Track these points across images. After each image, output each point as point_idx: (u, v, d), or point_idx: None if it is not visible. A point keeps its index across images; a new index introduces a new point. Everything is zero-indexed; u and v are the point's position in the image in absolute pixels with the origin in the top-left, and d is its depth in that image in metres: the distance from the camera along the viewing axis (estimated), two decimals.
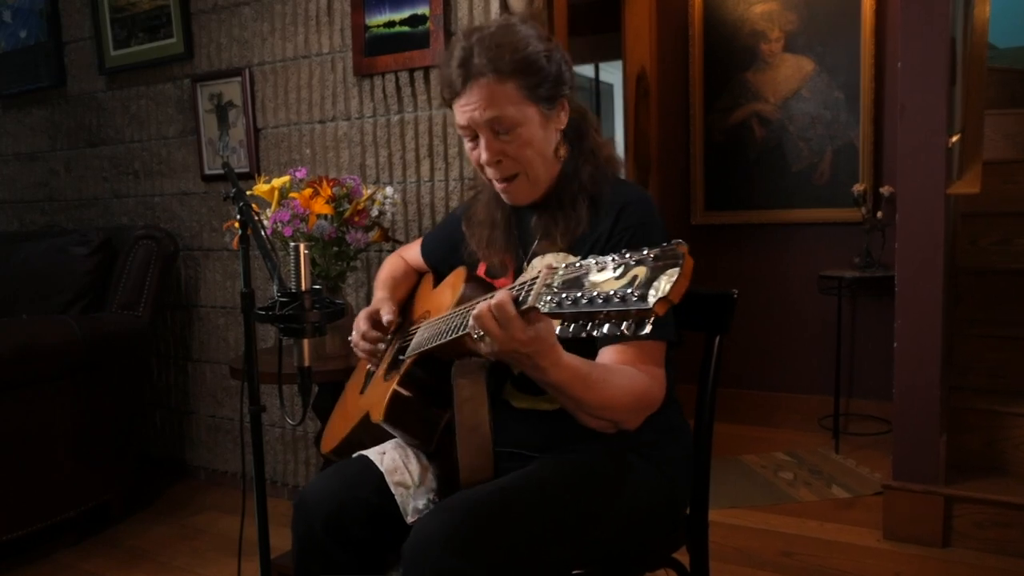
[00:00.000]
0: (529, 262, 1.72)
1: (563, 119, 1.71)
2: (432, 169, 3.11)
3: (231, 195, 1.76)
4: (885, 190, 4.01)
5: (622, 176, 1.79)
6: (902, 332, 3.01)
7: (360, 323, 1.90)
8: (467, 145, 1.72)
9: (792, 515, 3.32)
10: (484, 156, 1.66)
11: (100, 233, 3.62)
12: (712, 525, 1.84)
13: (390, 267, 2.14)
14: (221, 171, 3.67)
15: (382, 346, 1.89)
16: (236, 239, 1.77)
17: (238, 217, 1.73)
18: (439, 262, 2.03)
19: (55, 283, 3.54)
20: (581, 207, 1.66)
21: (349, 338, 1.93)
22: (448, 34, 2.98)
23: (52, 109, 4.28)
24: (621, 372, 1.52)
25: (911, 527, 3.01)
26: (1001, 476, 3.08)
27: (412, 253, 2.15)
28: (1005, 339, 3.36)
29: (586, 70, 7.63)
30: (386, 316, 1.86)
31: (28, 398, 3.02)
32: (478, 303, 1.32)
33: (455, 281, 1.78)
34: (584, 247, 1.62)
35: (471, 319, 1.32)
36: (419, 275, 2.14)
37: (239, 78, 3.54)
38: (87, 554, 3.20)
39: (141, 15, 3.81)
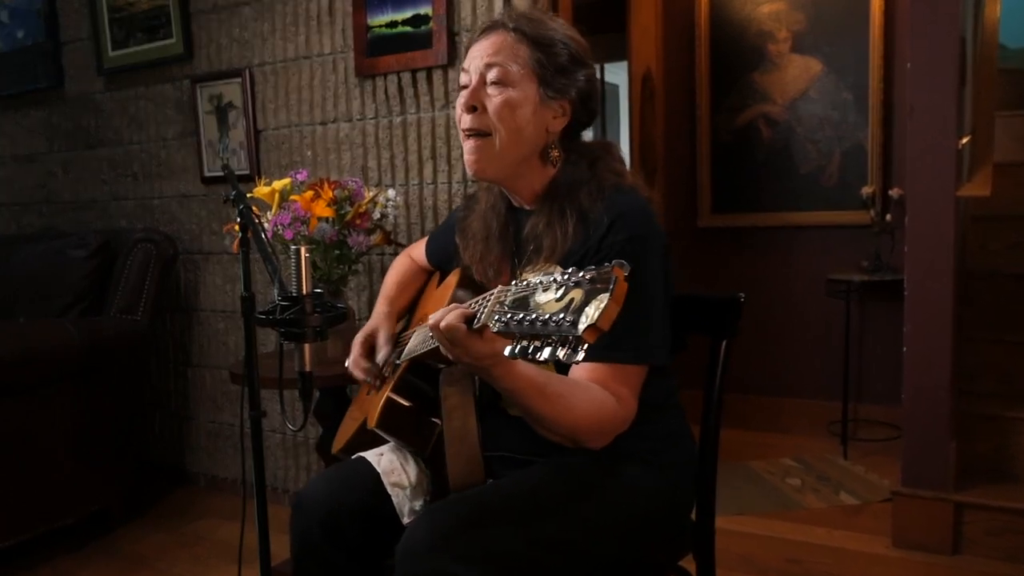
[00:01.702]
0: (522, 271, 1.71)
1: (557, 124, 1.69)
2: (435, 171, 3.12)
3: (231, 197, 1.76)
4: (894, 192, 4.01)
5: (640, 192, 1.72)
6: (911, 336, 3.01)
7: (354, 348, 1.89)
8: (459, 98, 1.70)
9: (799, 522, 3.32)
10: (464, 97, 1.66)
11: (98, 236, 3.63)
12: (718, 532, 1.84)
13: (396, 271, 2.14)
14: (221, 173, 3.68)
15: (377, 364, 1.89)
16: (236, 242, 1.77)
17: (238, 220, 1.73)
18: (442, 263, 2.03)
19: (53, 286, 3.54)
20: (570, 220, 1.62)
21: (347, 364, 1.92)
22: (451, 34, 2.99)
23: (50, 110, 4.30)
24: (584, 389, 1.50)
25: (920, 534, 3.01)
26: (1012, 482, 3.08)
27: (419, 252, 2.15)
28: (1015, 344, 3.36)
29: None
30: (380, 353, 1.85)
31: (26, 403, 3.03)
32: (434, 316, 1.32)
33: (449, 284, 1.79)
34: (573, 260, 1.60)
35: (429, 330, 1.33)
36: (428, 274, 2.13)
37: (239, 79, 3.55)
38: (86, 560, 3.21)
39: (140, 15, 3.82)
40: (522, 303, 1.10)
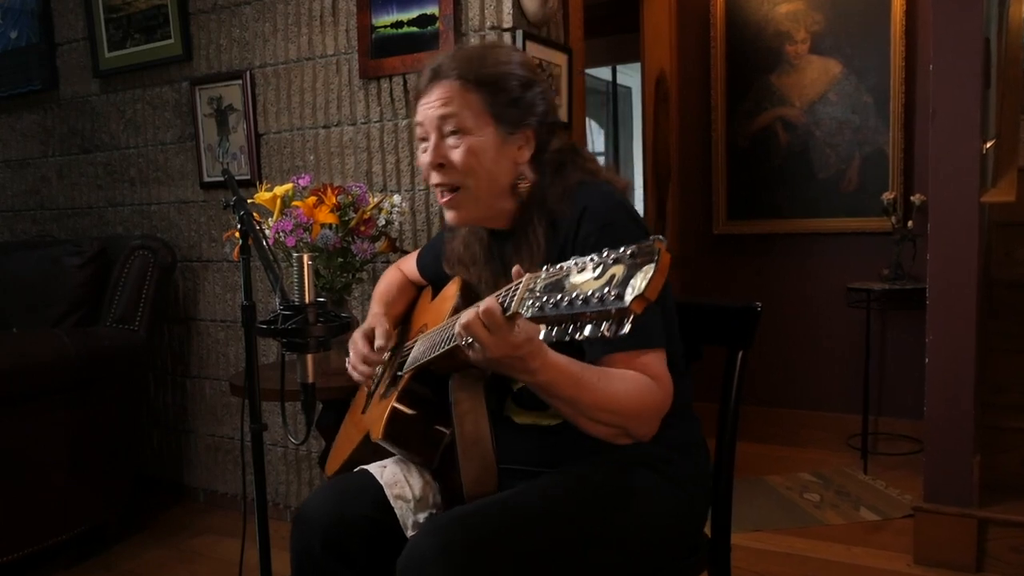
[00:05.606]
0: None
1: (524, 154, 1.71)
2: None
3: (231, 203, 1.77)
4: (916, 198, 4.02)
5: (619, 178, 1.77)
6: (934, 347, 3.00)
7: (358, 343, 1.90)
8: (419, 150, 1.74)
9: (818, 539, 3.31)
10: (428, 156, 1.69)
11: (94, 243, 3.64)
12: (734, 549, 1.85)
13: (387, 281, 2.17)
14: (221, 178, 3.69)
15: (379, 369, 1.90)
16: (236, 249, 1.79)
17: (239, 226, 1.74)
18: (436, 276, 2.04)
19: (47, 295, 3.56)
20: (539, 229, 1.67)
21: (347, 360, 1.94)
22: (458, 35, 3.00)
23: (44, 113, 4.32)
24: (620, 374, 1.51)
25: (943, 551, 3.00)
26: None
27: (409, 266, 2.18)
28: None
29: (603, 72, 7.62)
30: (379, 340, 1.86)
31: (19, 416, 3.04)
32: (465, 313, 1.34)
33: (450, 293, 1.81)
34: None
35: (458, 327, 1.34)
36: (418, 288, 2.16)
37: (239, 81, 3.56)
38: None
39: (137, 15, 3.84)
40: (556, 286, 1.12)
